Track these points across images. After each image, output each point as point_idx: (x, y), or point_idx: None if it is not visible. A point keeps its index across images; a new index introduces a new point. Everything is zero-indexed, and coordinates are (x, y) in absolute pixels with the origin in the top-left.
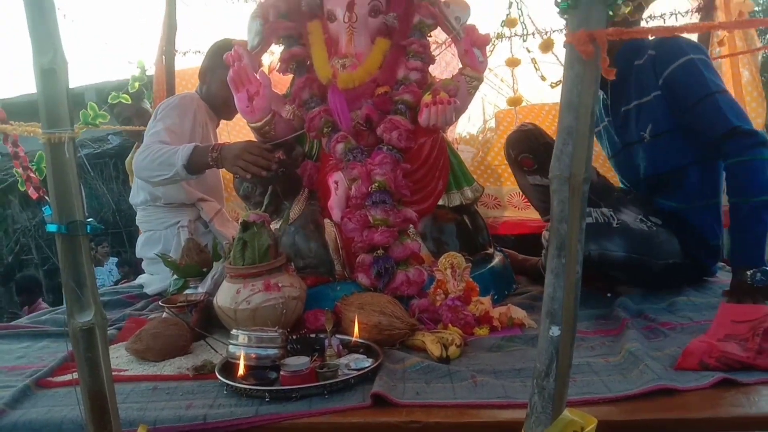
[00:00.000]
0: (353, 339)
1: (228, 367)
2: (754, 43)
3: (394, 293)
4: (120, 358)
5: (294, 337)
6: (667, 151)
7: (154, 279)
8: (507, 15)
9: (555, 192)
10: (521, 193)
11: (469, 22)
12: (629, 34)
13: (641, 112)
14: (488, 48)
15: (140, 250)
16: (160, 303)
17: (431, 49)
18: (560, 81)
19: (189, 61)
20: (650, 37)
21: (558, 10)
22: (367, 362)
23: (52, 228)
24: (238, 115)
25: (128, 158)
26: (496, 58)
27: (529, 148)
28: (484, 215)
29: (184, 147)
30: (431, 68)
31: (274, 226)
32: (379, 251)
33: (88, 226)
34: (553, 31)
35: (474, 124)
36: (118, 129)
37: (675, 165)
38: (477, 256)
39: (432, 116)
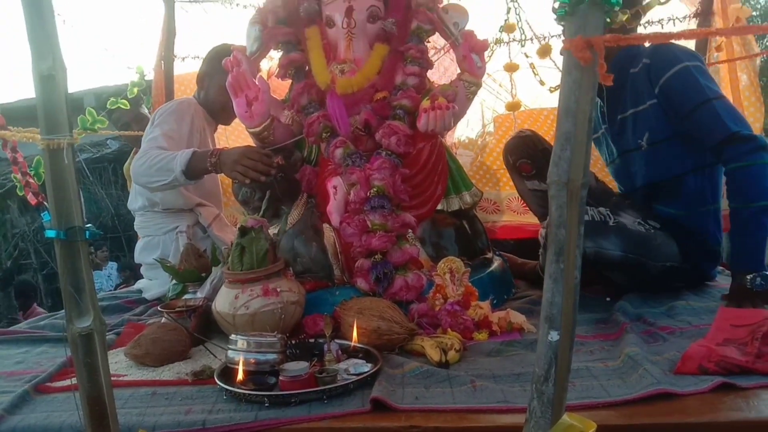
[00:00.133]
0: (352, 344)
1: (227, 373)
2: (752, 48)
3: (393, 298)
4: (119, 363)
5: (293, 342)
6: (665, 159)
7: (152, 284)
8: (505, 20)
9: (553, 197)
10: (520, 198)
11: (468, 27)
12: (627, 40)
13: (637, 121)
14: (487, 53)
15: (139, 255)
16: (158, 308)
17: (430, 55)
18: (559, 86)
19: (188, 67)
20: (646, 45)
21: (555, 16)
22: (366, 367)
23: (50, 233)
24: (237, 120)
25: (126, 164)
26: (495, 63)
27: (527, 154)
28: (482, 220)
29: (182, 152)
30: (430, 73)
31: (273, 230)
32: (377, 256)
33: (87, 232)
34: (551, 37)
35: (473, 128)
36: (117, 134)
37: (672, 173)
38: (476, 260)
39: (430, 121)
